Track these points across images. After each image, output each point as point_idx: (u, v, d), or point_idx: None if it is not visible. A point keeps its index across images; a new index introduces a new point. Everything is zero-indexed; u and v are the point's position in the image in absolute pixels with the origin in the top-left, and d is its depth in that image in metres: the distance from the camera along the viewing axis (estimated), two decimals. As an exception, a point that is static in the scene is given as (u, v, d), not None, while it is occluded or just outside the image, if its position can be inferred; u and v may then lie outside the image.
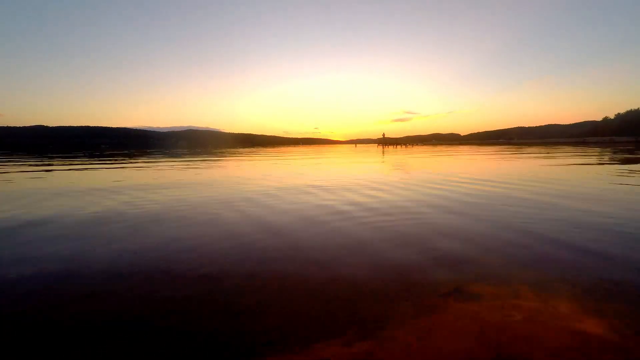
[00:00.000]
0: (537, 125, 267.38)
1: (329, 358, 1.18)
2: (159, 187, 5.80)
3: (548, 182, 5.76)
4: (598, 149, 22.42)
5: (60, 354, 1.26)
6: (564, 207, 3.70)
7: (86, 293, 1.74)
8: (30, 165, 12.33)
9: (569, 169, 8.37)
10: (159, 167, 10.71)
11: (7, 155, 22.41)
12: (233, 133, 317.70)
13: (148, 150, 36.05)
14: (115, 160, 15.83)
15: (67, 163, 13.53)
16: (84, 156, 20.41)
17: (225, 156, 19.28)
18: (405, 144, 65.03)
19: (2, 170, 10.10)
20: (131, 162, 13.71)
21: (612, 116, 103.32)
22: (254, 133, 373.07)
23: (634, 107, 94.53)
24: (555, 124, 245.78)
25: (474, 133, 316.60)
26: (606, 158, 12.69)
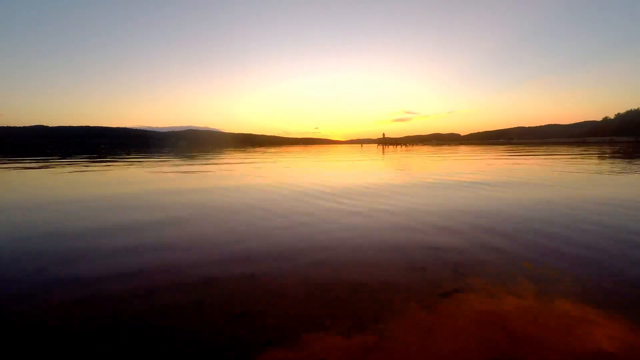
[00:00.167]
0: (537, 125, 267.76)
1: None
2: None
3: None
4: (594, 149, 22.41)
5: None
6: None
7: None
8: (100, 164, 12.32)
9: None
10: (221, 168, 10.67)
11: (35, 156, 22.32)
12: (233, 133, 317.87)
13: (161, 150, 36.02)
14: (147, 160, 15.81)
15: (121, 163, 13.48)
16: (96, 156, 20.40)
17: (242, 156, 19.30)
18: (405, 144, 65.01)
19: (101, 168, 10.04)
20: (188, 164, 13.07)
21: (612, 116, 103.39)
22: (254, 133, 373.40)
23: (634, 107, 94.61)
24: (555, 124, 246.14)
25: (474, 133, 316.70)
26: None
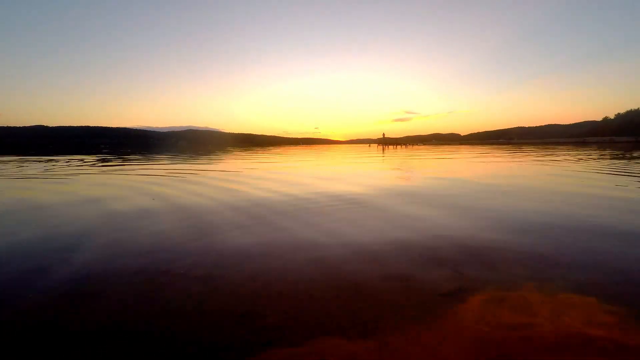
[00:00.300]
0: (537, 125, 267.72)
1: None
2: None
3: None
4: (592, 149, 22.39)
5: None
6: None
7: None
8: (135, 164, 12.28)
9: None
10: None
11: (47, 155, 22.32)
12: (233, 133, 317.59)
13: (169, 150, 36.01)
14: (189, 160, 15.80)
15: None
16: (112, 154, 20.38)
17: (255, 155, 19.30)
18: (405, 144, 65.00)
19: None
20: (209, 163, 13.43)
21: (612, 116, 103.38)
22: (254, 133, 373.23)
23: (634, 107, 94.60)
24: (555, 124, 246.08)
25: (474, 133, 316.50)
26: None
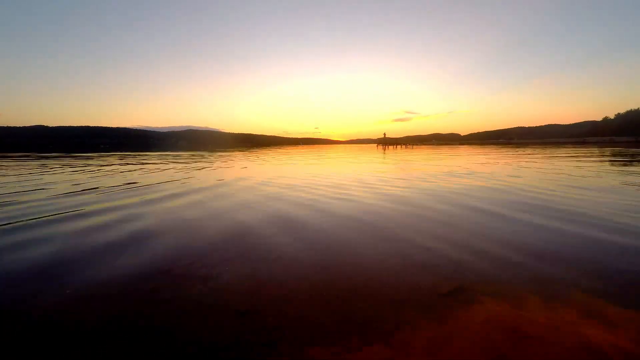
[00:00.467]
0: (537, 125, 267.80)
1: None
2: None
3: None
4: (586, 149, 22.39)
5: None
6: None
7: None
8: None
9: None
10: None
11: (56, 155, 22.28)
12: (233, 133, 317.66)
13: (173, 149, 35.97)
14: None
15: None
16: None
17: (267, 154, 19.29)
18: (405, 144, 64.99)
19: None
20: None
21: (612, 116, 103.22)
22: (254, 133, 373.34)
23: (634, 107, 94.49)
24: (555, 124, 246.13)
25: (474, 133, 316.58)
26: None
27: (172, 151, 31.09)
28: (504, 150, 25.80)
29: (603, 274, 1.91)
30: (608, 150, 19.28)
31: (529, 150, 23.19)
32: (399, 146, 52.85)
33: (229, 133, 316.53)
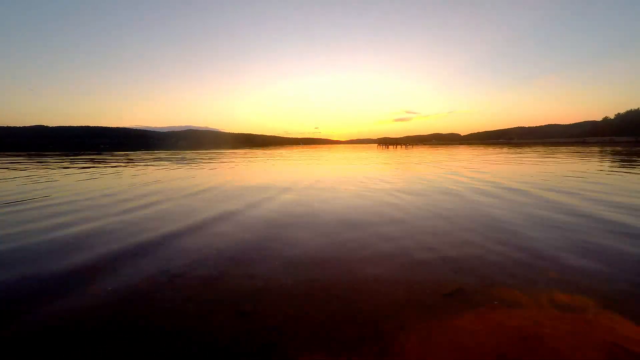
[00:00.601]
0: (537, 125, 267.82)
1: None
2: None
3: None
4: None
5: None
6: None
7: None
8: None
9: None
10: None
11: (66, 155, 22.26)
12: (233, 133, 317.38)
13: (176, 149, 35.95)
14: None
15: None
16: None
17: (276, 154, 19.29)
18: (405, 144, 65.01)
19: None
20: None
21: (612, 116, 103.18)
22: (254, 133, 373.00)
23: (634, 107, 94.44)
24: (555, 124, 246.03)
25: (474, 133, 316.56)
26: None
27: (171, 150, 31.04)
28: (504, 150, 25.79)
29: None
30: (609, 150, 19.26)
31: (528, 150, 23.18)
32: (398, 146, 52.87)
33: (229, 133, 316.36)
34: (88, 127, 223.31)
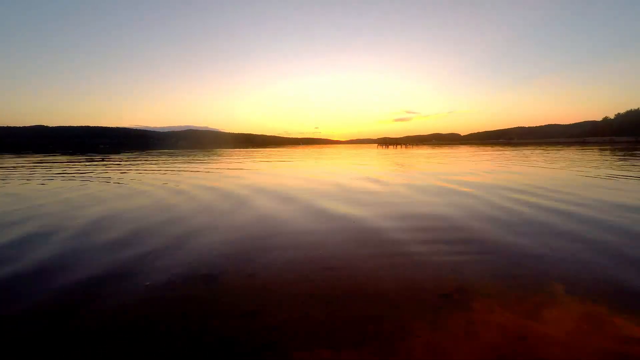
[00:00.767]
0: (537, 125, 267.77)
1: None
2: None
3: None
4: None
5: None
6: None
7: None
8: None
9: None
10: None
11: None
12: (233, 133, 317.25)
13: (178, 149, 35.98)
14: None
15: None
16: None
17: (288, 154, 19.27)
18: (405, 144, 65.02)
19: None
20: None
21: (612, 116, 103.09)
22: (254, 133, 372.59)
23: (634, 107, 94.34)
24: (555, 124, 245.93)
25: (474, 133, 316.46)
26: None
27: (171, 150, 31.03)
28: (506, 151, 25.78)
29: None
30: (608, 150, 19.27)
31: (528, 151, 23.18)
32: (398, 146, 52.87)
33: (229, 133, 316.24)
34: (88, 127, 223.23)
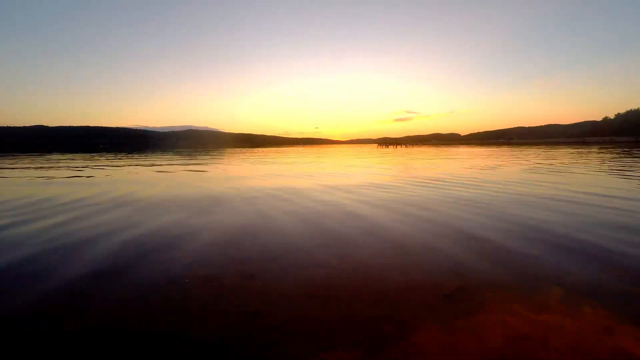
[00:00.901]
0: (537, 125, 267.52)
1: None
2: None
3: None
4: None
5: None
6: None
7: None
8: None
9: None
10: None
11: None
12: (233, 133, 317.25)
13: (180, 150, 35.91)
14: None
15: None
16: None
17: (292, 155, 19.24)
18: (405, 144, 65.05)
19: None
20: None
21: (612, 116, 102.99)
22: (254, 133, 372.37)
23: (634, 107, 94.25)
24: (555, 124, 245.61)
25: (474, 133, 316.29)
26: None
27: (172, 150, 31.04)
28: (507, 150, 25.76)
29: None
30: (608, 151, 19.23)
31: (528, 150, 23.15)
32: (398, 146, 52.88)
33: (229, 133, 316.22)
34: (88, 127, 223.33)
